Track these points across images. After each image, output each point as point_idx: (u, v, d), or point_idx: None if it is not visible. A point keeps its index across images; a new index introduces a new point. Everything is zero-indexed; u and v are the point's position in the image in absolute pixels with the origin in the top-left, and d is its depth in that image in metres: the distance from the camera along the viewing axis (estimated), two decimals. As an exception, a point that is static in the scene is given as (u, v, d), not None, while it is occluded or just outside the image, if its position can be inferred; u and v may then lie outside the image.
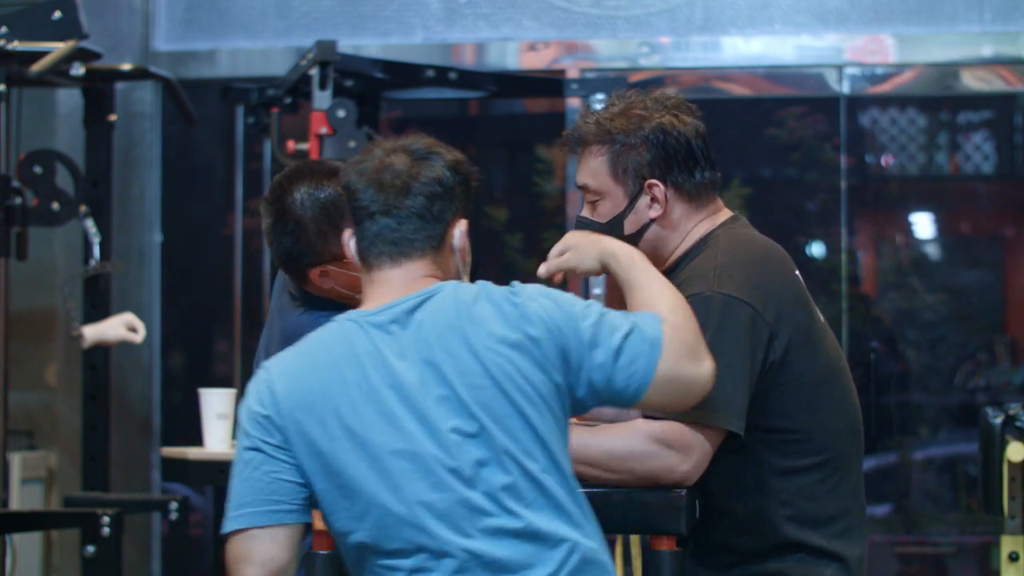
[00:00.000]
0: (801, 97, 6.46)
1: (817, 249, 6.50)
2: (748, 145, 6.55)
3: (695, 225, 3.06)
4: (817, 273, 6.37)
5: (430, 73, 5.75)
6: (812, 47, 6.34)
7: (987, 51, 6.25)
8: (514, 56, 6.49)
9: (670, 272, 3.03)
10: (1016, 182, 6.69)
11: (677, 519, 2.77)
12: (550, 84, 6.19)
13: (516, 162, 6.98)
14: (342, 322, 2.57)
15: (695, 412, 2.78)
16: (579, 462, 2.80)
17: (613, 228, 3.02)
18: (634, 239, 3.02)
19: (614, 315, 2.58)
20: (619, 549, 3.40)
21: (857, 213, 6.48)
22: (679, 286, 2.88)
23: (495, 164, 7.03)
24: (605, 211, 3.05)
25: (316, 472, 2.51)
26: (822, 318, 3.08)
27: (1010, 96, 6.44)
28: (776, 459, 2.94)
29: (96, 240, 5.59)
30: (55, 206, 5.50)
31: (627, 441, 2.81)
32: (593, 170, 3.06)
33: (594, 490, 2.79)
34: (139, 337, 5.41)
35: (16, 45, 5.18)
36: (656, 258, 3.02)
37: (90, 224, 5.58)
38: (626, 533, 3.20)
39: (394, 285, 2.57)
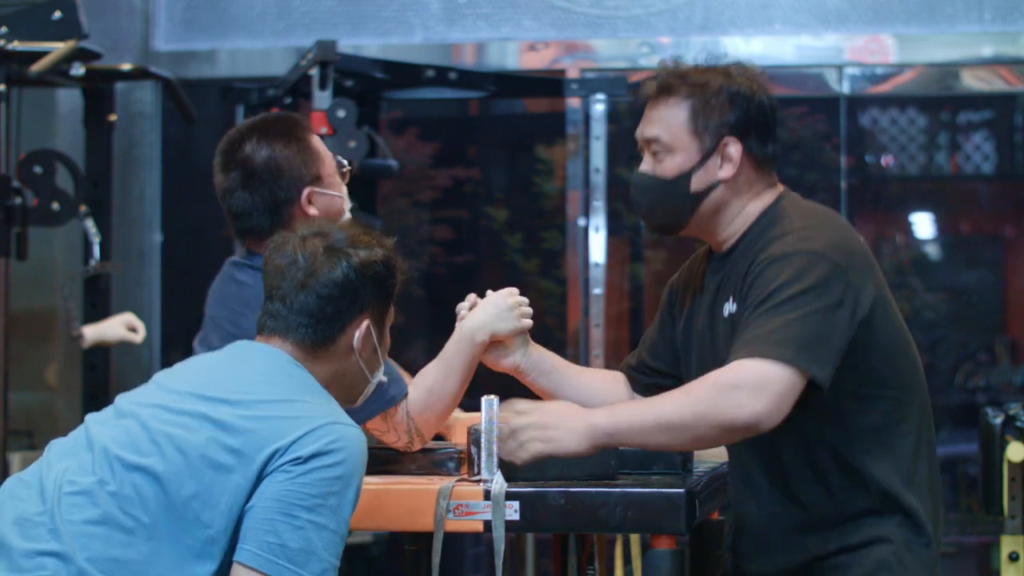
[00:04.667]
0: (801, 97, 6.46)
1: (817, 249, 6.49)
2: (748, 145, 6.54)
3: (755, 197, 2.99)
4: (817, 273, 6.36)
5: (430, 73, 5.75)
6: (812, 47, 6.34)
7: (987, 51, 6.25)
8: (514, 56, 6.49)
9: (735, 246, 2.98)
10: (1016, 182, 6.68)
11: (677, 518, 2.76)
12: (550, 84, 6.19)
13: (516, 162, 6.98)
14: None
15: (779, 349, 2.72)
16: (660, 431, 2.75)
17: (678, 184, 2.95)
18: (698, 198, 2.96)
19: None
20: (619, 549, 3.39)
21: (857, 213, 6.47)
22: (755, 254, 2.86)
23: (495, 164, 7.03)
24: (672, 166, 2.96)
25: None
26: None
27: (1010, 96, 6.44)
28: (868, 425, 2.86)
29: (96, 240, 5.59)
30: (55, 206, 5.51)
31: (696, 396, 2.74)
32: (668, 121, 2.96)
33: (595, 489, 2.78)
34: (139, 337, 5.41)
35: (16, 45, 5.18)
36: (716, 223, 2.98)
37: (90, 224, 5.58)
38: (626, 533, 3.19)
39: (254, 357, 2.62)
